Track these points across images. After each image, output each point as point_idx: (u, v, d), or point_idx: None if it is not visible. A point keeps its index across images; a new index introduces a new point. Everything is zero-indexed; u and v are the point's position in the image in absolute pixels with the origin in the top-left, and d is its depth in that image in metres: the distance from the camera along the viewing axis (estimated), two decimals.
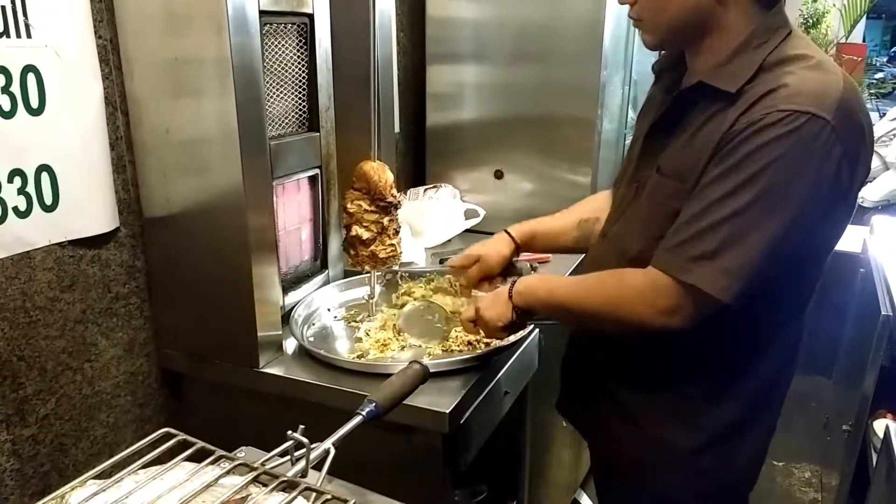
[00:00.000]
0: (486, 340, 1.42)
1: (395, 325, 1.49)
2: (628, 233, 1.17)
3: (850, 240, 2.63)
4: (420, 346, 1.43)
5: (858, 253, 2.47)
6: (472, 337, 1.43)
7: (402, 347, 1.43)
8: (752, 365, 1.14)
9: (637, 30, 1.15)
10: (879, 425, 1.77)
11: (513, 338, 1.39)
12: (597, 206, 1.43)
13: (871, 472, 1.67)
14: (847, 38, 5.55)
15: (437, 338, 1.45)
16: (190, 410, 1.53)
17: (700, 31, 1.07)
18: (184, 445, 0.89)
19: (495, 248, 1.44)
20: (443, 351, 1.42)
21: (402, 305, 1.55)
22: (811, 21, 5.33)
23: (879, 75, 8.29)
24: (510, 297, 1.23)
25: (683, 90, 1.09)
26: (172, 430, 0.90)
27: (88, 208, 1.30)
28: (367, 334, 1.47)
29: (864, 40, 7.68)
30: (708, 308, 1.00)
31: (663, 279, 1.02)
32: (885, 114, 5.29)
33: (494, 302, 1.25)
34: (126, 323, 1.43)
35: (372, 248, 1.54)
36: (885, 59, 12.27)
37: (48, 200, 1.22)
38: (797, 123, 0.93)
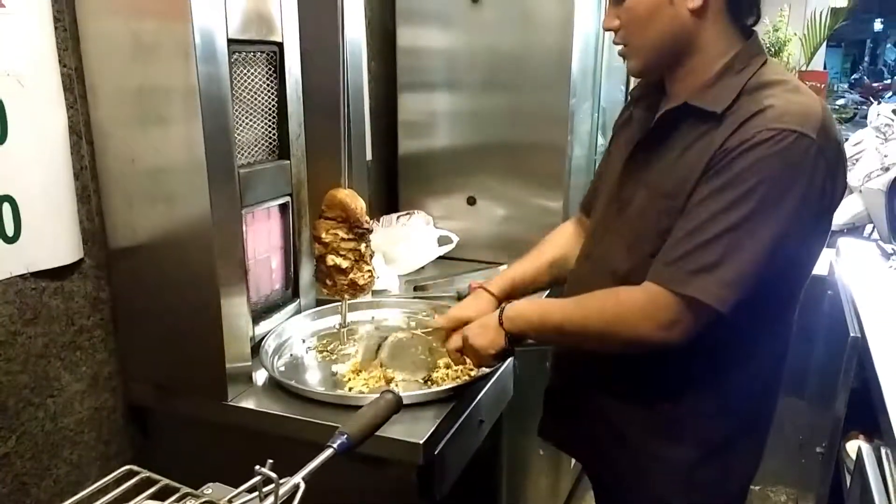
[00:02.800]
0: (471, 370, 1.40)
1: (379, 362, 1.44)
2: (614, 252, 1.19)
3: (818, 262, 2.69)
4: (404, 381, 1.39)
5: (826, 275, 2.51)
6: (458, 367, 1.40)
7: (389, 381, 1.40)
8: (742, 377, 1.17)
9: (622, 57, 1.18)
10: (852, 447, 1.79)
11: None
12: (563, 243, 1.45)
13: (846, 493, 1.68)
14: (808, 66, 5.72)
15: (421, 370, 1.42)
16: (157, 446, 1.49)
17: (682, 53, 1.11)
18: (148, 483, 0.87)
19: (481, 309, 1.36)
20: (426, 381, 1.40)
21: (384, 338, 1.48)
22: (773, 49, 5.49)
23: (841, 102, 8.56)
24: (501, 323, 1.22)
25: (669, 110, 1.13)
26: (136, 468, 0.88)
27: (52, 239, 1.27)
28: (349, 377, 1.42)
29: (825, 68, 7.93)
30: (706, 319, 1.03)
31: (662, 293, 1.04)
32: (847, 139, 5.46)
33: (484, 329, 1.24)
34: (90, 356, 1.40)
35: (351, 276, 1.53)
36: (846, 86, 12.66)
37: (10, 231, 1.19)
38: (786, 142, 0.99)
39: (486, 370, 1.39)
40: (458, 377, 1.40)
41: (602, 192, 1.32)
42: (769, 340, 1.18)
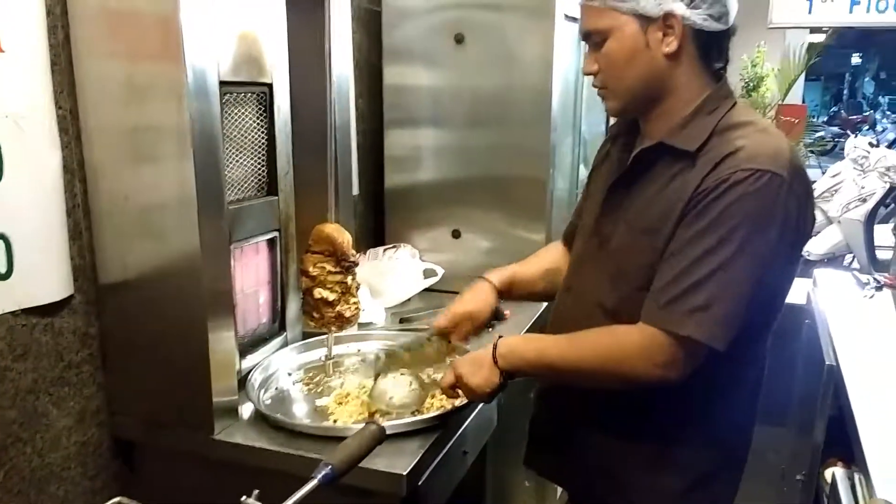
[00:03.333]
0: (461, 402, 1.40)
1: (367, 402, 1.43)
2: (597, 286, 1.24)
3: (795, 292, 2.74)
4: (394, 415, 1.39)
5: (803, 304, 2.57)
6: (450, 402, 1.40)
7: (374, 413, 1.41)
8: (725, 406, 1.21)
9: (601, 98, 1.24)
10: (830, 473, 1.82)
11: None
12: (556, 257, 1.50)
13: None
14: (784, 100, 5.86)
15: (412, 405, 1.41)
16: (143, 480, 1.49)
17: (657, 95, 1.17)
18: None
19: (484, 300, 1.43)
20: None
21: (375, 376, 1.47)
22: (752, 84, 5.62)
23: (820, 134, 8.74)
24: (495, 361, 1.23)
25: (644, 149, 1.18)
26: (125, 499, 0.90)
27: (43, 276, 1.29)
28: (333, 409, 1.43)
29: (804, 101, 8.11)
30: (701, 357, 1.08)
31: (660, 335, 1.09)
32: (826, 170, 5.58)
33: (478, 368, 1.25)
34: (78, 392, 1.41)
35: (338, 308, 1.56)
36: (825, 119, 12.93)
37: (2, 269, 1.22)
38: (761, 181, 1.05)
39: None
40: (442, 406, 1.42)
41: (582, 227, 1.37)
42: (748, 369, 1.23)
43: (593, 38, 1.17)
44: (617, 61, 1.15)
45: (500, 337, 1.27)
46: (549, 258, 1.52)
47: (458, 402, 1.38)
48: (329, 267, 1.55)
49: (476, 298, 1.44)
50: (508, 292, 1.47)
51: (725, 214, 1.06)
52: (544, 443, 1.42)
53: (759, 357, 1.24)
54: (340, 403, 1.44)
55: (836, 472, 1.55)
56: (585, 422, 1.30)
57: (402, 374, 1.44)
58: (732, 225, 1.05)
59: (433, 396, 1.44)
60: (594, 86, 1.22)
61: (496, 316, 1.47)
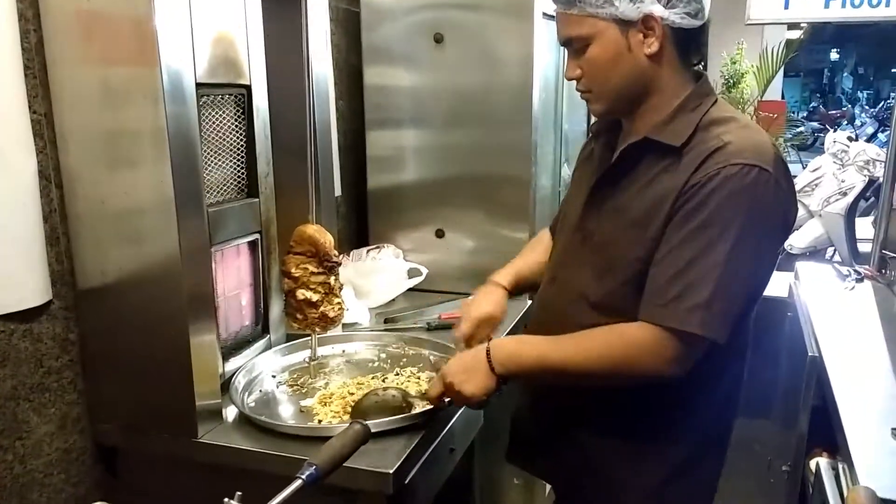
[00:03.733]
0: None
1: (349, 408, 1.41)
2: (581, 279, 1.25)
3: (778, 285, 2.77)
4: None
5: (786, 297, 2.59)
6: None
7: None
8: (710, 396, 1.24)
9: (585, 101, 1.25)
10: (814, 463, 1.83)
11: None
12: (548, 248, 1.50)
13: None
14: (762, 96, 5.92)
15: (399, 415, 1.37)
16: (126, 486, 1.48)
17: (641, 94, 1.19)
18: None
19: (498, 302, 1.44)
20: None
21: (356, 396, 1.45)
22: (732, 81, 5.67)
23: (799, 129, 8.84)
24: (491, 367, 1.22)
25: (630, 145, 1.20)
26: None
27: (20, 282, 1.28)
28: (317, 409, 1.42)
29: (783, 97, 8.20)
30: (702, 351, 1.11)
31: (664, 333, 1.11)
32: (806, 165, 5.64)
33: (472, 374, 1.23)
34: (59, 398, 1.40)
35: (321, 309, 1.56)
36: (804, 115, 13.07)
37: None
38: (751, 176, 1.07)
39: None
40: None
41: (564, 221, 1.38)
42: (732, 359, 1.25)
43: (574, 45, 1.18)
44: (600, 66, 1.17)
45: (489, 339, 1.26)
46: (542, 250, 1.53)
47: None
48: (311, 268, 1.55)
49: (491, 300, 1.44)
50: (517, 288, 1.50)
51: (718, 211, 1.08)
52: (526, 438, 1.43)
53: (742, 346, 1.26)
54: (325, 404, 1.43)
55: (820, 463, 1.56)
56: (566, 417, 1.31)
57: (384, 390, 1.41)
58: (725, 222, 1.08)
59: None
60: (578, 90, 1.24)
61: None
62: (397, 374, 1.59)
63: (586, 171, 1.35)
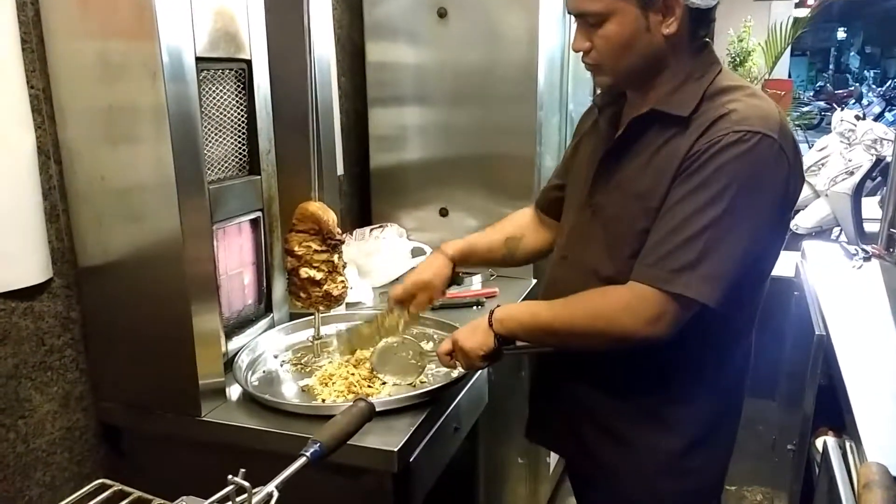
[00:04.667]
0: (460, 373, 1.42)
1: (369, 362, 1.48)
2: (594, 254, 1.24)
3: (784, 265, 2.75)
4: (395, 385, 1.43)
5: (792, 277, 2.57)
6: (447, 370, 1.43)
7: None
8: (722, 364, 1.24)
9: (591, 73, 1.22)
10: (821, 443, 1.83)
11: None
12: (522, 224, 1.53)
13: (815, 488, 1.71)
14: (770, 75, 5.86)
15: (412, 374, 1.44)
16: (130, 465, 1.48)
17: (653, 72, 1.17)
18: (121, 496, 0.87)
19: (438, 272, 1.47)
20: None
21: (378, 341, 1.50)
22: (738, 59, 5.61)
23: (806, 109, 8.76)
24: (490, 325, 1.25)
25: (636, 118, 1.18)
26: (108, 481, 0.88)
27: (20, 259, 1.26)
28: (318, 388, 1.43)
29: (790, 76, 8.12)
30: (690, 314, 1.09)
31: (648, 291, 1.10)
32: (813, 144, 5.59)
33: (473, 332, 1.27)
34: (61, 376, 1.39)
35: (325, 287, 1.55)
36: (811, 94, 12.95)
37: None
38: (752, 142, 1.06)
39: (462, 371, 1.40)
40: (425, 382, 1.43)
41: (571, 197, 1.37)
42: (743, 328, 1.25)
43: (588, 19, 1.15)
44: (616, 44, 1.14)
45: (498, 306, 1.28)
46: (513, 225, 1.55)
47: (454, 374, 1.41)
48: (315, 245, 1.53)
49: (430, 268, 1.47)
50: (465, 261, 1.51)
51: (716, 175, 1.07)
52: (544, 411, 1.44)
53: (752, 320, 1.26)
54: (325, 385, 1.42)
55: (827, 441, 1.55)
56: (584, 384, 1.31)
57: (403, 342, 1.46)
58: (723, 185, 1.06)
59: (422, 373, 1.44)
60: (584, 62, 1.21)
61: (453, 281, 1.51)
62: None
63: (590, 146, 1.33)
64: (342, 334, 1.64)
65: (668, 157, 1.13)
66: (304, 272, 1.53)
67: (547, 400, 1.42)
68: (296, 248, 1.53)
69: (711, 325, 1.13)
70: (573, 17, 1.19)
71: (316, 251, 1.53)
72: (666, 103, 1.15)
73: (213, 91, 1.44)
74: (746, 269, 1.11)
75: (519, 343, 1.28)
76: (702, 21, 1.16)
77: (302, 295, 1.56)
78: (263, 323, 1.65)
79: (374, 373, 1.45)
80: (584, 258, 1.27)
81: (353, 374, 1.46)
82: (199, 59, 1.29)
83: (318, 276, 1.53)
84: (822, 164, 4.74)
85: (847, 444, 1.47)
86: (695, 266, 1.07)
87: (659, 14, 1.11)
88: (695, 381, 1.24)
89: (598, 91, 1.37)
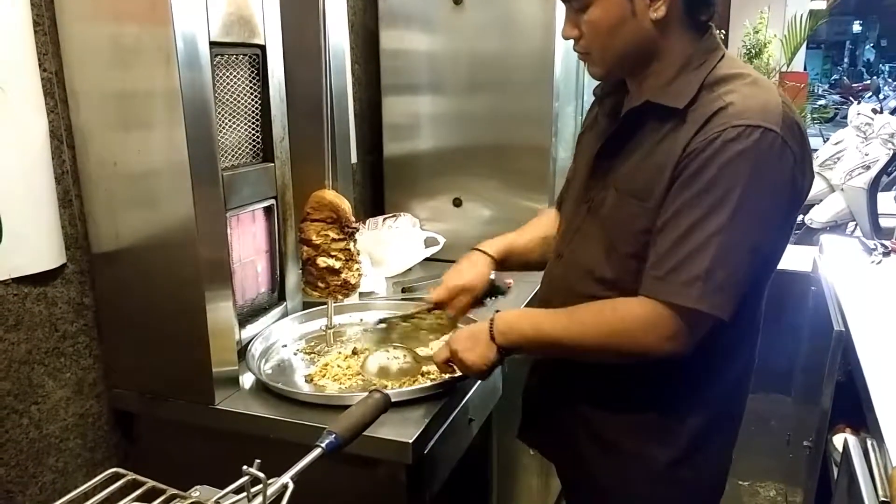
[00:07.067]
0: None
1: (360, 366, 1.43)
2: (589, 253, 1.19)
3: (801, 260, 2.71)
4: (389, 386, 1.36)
5: (809, 272, 2.54)
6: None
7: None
8: (720, 373, 1.18)
9: (583, 62, 1.18)
10: (838, 440, 1.80)
11: None
12: (550, 224, 1.46)
13: (833, 486, 1.69)
14: (788, 67, 5.79)
15: (407, 377, 1.39)
16: (143, 452, 1.47)
17: (645, 59, 1.11)
18: (135, 485, 0.86)
19: (480, 272, 1.40)
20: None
21: (362, 353, 1.47)
22: (754, 51, 5.55)
23: (821, 102, 8.67)
24: (492, 337, 1.19)
25: (631, 110, 1.13)
26: (121, 470, 0.87)
27: (33, 244, 1.26)
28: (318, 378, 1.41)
29: (805, 69, 8.03)
30: (707, 327, 1.04)
31: (661, 307, 1.04)
32: (828, 138, 5.52)
33: (474, 343, 1.21)
34: (74, 363, 1.38)
35: (343, 275, 1.53)
36: (826, 87, 12.82)
37: None
38: (753, 138, 0.99)
39: None
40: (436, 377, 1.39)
41: (570, 193, 1.33)
42: (743, 335, 1.19)
43: (573, 4, 1.10)
44: (601, 30, 1.09)
45: (497, 312, 1.23)
46: (544, 226, 1.48)
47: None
48: (332, 234, 1.52)
49: (473, 270, 1.40)
50: (505, 263, 1.44)
51: (718, 177, 1.00)
52: (536, 415, 1.40)
53: (754, 322, 1.20)
54: (324, 375, 1.41)
55: (847, 439, 1.52)
56: (576, 392, 1.26)
57: (394, 348, 1.43)
58: (726, 188, 1.00)
59: (425, 374, 1.41)
60: (575, 50, 1.16)
61: (496, 289, 1.44)
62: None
63: (591, 139, 1.28)
64: (377, 326, 1.58)
65: (664, 154, 1.07)
66: (323, 261, 1.52)
67: (538, 401, 1.39)
68: (313, 238, 1.51)
69: (714, 334, 1.08)
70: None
71: (334, 240, 1.52)
72: (661, 94, 1.09)
73: (227, 77, 1.43)
74: (755, 271, 1.06)
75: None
76: (698, 4, 1.09)
77: (320, 285, 1.54)
78: (277, 311, 1.64)
79: (366, 374, 1.40)
80: (580, 257, 1.22)
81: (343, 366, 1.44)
82: (213, 44, 1.27)
83: (337, 265, 1.52)
84: (838, 158, 4.67)
85: (868, 443, 1.44)
86: (706, 277, 1.01)
87: None
88: (689, 392, 1.18)
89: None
